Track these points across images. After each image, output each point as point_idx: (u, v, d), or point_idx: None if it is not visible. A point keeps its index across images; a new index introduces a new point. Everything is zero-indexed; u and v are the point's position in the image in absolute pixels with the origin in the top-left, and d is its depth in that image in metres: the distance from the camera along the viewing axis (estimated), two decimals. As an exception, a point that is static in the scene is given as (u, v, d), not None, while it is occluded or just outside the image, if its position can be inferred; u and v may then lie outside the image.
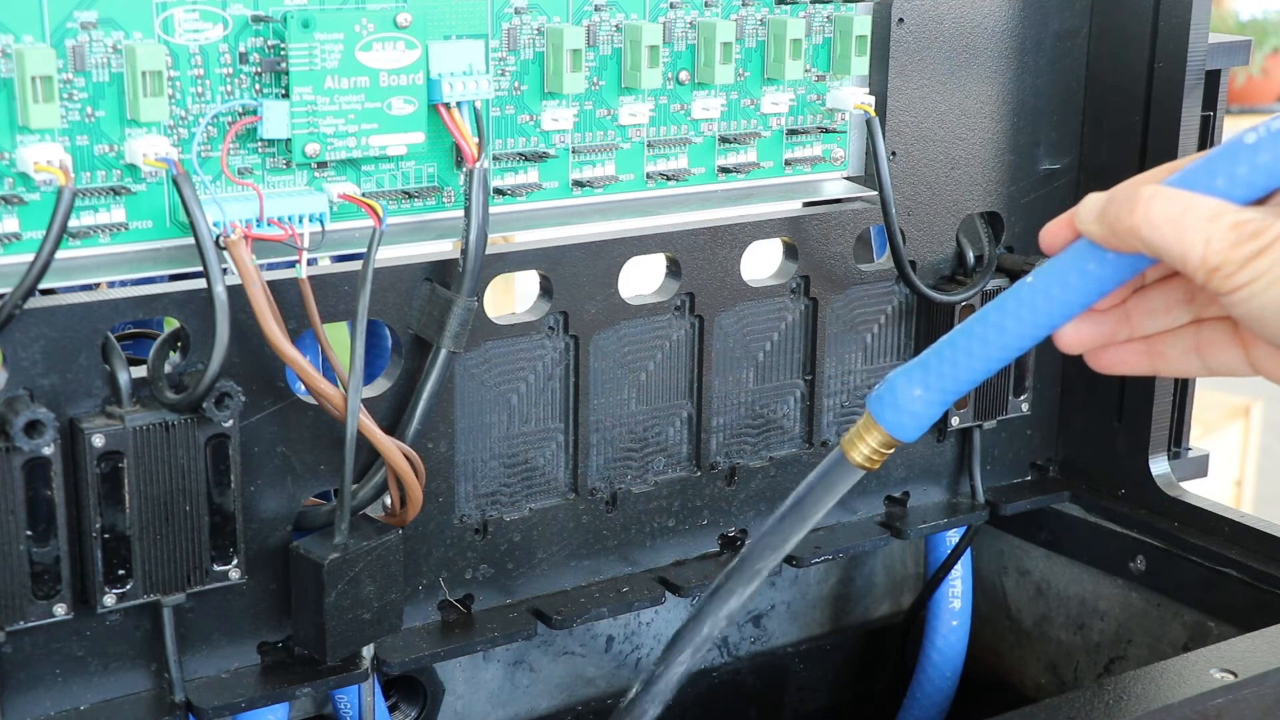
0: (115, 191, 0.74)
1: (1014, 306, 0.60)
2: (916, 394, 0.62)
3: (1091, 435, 1.10)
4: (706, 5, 0.90)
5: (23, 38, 0.70)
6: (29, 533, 0.73)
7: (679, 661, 0.69)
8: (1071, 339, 0.62)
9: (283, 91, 0.76)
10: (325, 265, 0.85)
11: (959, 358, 0.61)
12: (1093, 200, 0.59)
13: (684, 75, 0.90)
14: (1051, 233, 0.61)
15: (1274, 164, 0.55)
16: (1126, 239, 0.57)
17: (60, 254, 0.70)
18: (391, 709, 0.98)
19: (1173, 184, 0.57)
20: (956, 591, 1.12)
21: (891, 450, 0.63)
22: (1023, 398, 1.06)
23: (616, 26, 0.87)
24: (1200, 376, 0.64)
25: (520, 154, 0.86)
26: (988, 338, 0.61)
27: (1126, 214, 0.57)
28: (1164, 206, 0.56)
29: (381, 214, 0.77)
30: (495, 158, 0.85)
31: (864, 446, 0.63)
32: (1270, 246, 0.54)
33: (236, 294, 0.73)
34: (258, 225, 0.75)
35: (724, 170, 0.93)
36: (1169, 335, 0.63)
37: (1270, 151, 0.55)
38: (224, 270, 0.72)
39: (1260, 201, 0.56)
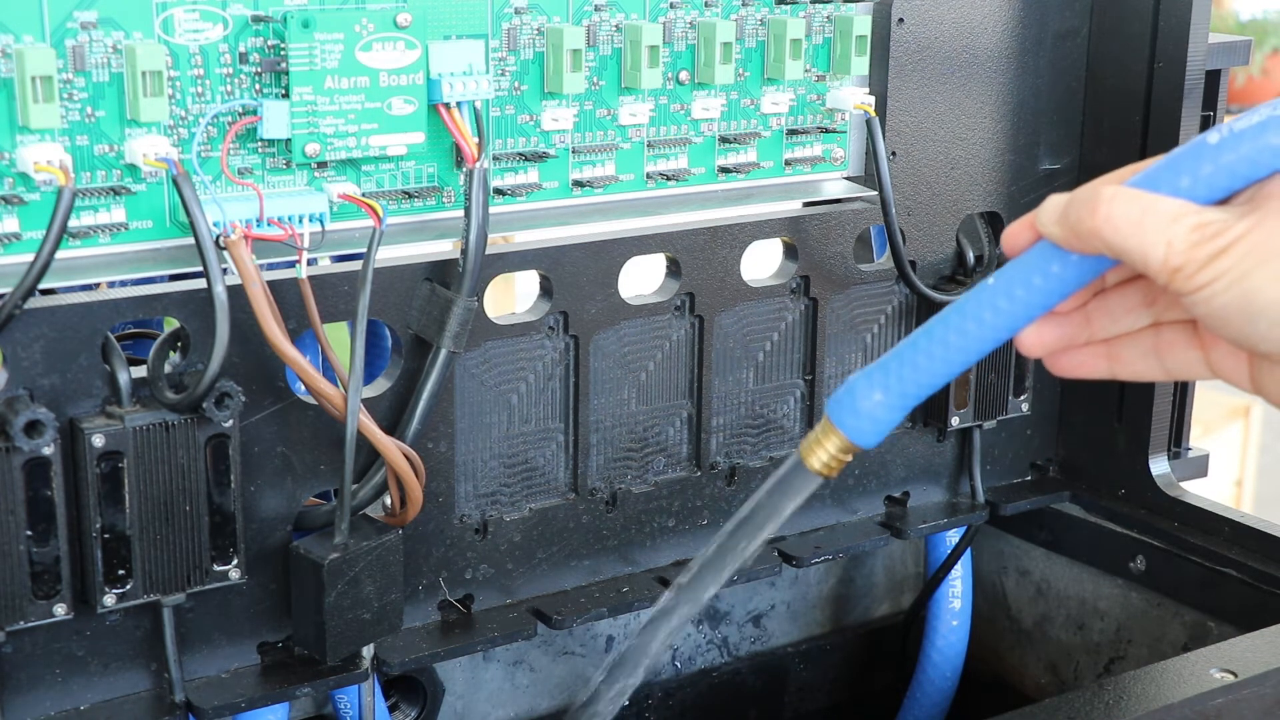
0: (115, 191, 0.74)
1: (975, 308, 0.59)
2: (876, 398, 0.61)
3: (1091, 435, 1.10)
4: (706, 5, 0.89)
5: (23, 38, 0.70)
6: (29, 533, 0.73)
7: (626, 678, 0.68)
8: (1033, 341, 0.62)
9: (283, 91, 0.76)
10: (325, 265, 0.85)
11: (920, 361, 0.60)
12: (1054, 202, 0.59)
13: (684, 75, 0.90)
14: (1013, 234, 0.61)
15: (1237, 164, 0.55)
16: (1088, 240, 0.57)
17: (60, 254, 0.70)
18: (391, 709, 0.98)
19: (1135, 184, 0.57)
20: (956, 591, 1.12)
21: (850, 457, 0.62)
22: (1023, 398, 1.06)
23: (616, 26, 0.87)
24: (1158, 380, 0.64)
25: (520, 154, 0.86)
26: (949, 340, 0.60)
27: (1088, 215, 0.56)
28: (1125, 207, 0.56)
29: (381, 214, 0.77)
30: (495, 158, 0.85)
31: (822, 452, 0.62)
32: (1231, 247, 0.54)
33: (236, 294, 0.73)
34: (258, 225, 0.75)
35: (724, 170, 0.93)
36: (1128, 338, 0.63)
37: (1233, 151, 0.55)
38: (224, 270, 0.72)
39: (1223, 202, 0.56)
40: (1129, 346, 0.63)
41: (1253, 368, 0.60)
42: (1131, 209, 0.56)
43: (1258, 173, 0.55)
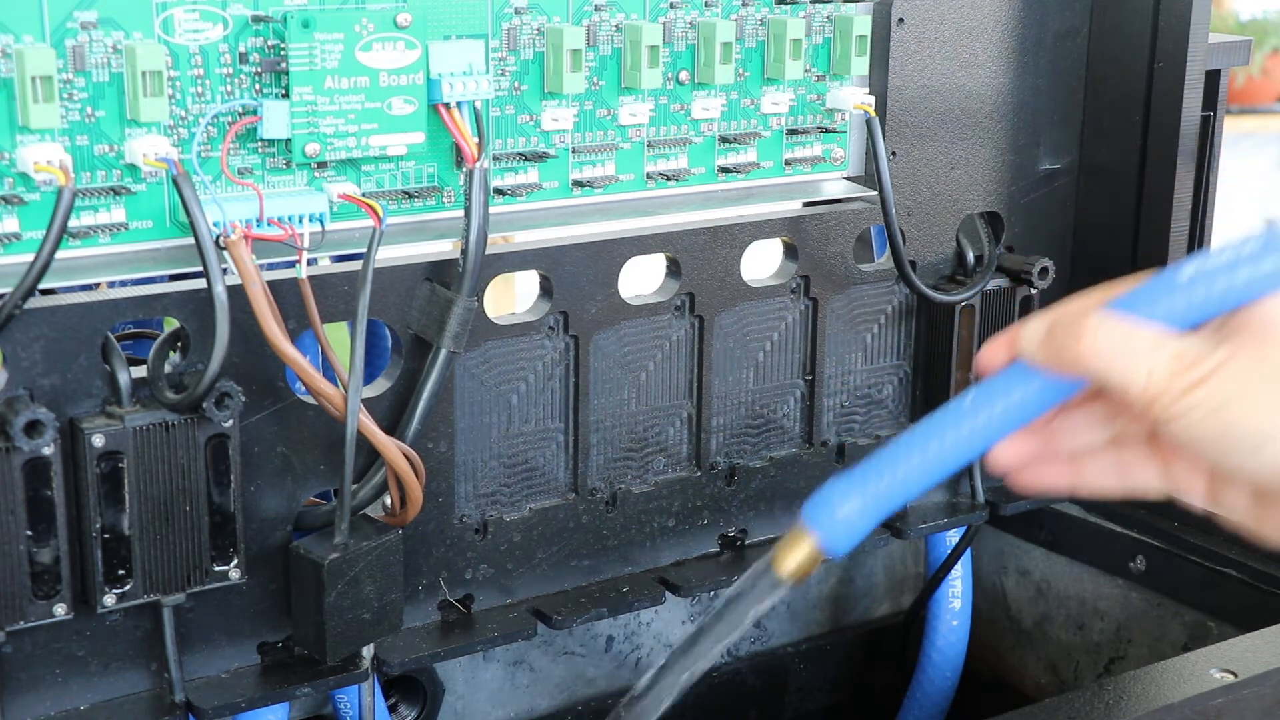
0: (115, 191, 0.74)
1: (953, 427, 0.62)
2: (852, 508, 0.62)
3: (1091, 435, 1.09)
4: (706, 5, 0.89)
5: (23, 38, 0.70)
6: (29, 533, 0.73)
7: None
8: (1003, 458, 0.64)
9: (283, 91, 0.76)
10: (325, 265, 0.85)
11: (897, 473, 0.62)
12: (1035, 326, 0.61)
13: (684, 75, 0.90)
14: (989, 354, 0.63)
15: (1207, 300, 0.58)
16: (1071, 366, 0.59)
17: (60, 254, 0.70)
18: (391, 709, 0.98)
19: (1114, 309, 0.59)
20: (956, 591, 1.12)
21: (818, 565, 0.63)
22: (1023, 398, 1.06)
23: (616, 26, 0.87)
24: (1118, 496, 0.66)
25: (520, 154, 0.86)
26: (927, 453, 0.62)
27: (1072, 342, 0.59)
28: (1107, 336, 0.58)
29: (381, 214, 0.77)
30: (495, 158, 0.85)
31: (792, 559, 0.63)
32: (1210, 376, 0.57)
33: (236, 294, 0.73)
34: (258, 225, 0.75)
35: (724, 170, 0.93)
36: (1089, 454, 0.65)
37: (1205, 287, 0.58)
38: (224, 270, 0.72)
39: (1194, 329, 0.59)
40: (1090, 462, 0.65)
41: (1211, 487, 0.62)
42: (1113, 338, 0.58)
43: (1223, 308, 0.58)
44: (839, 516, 0.62)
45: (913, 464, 0.62)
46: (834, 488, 0.63)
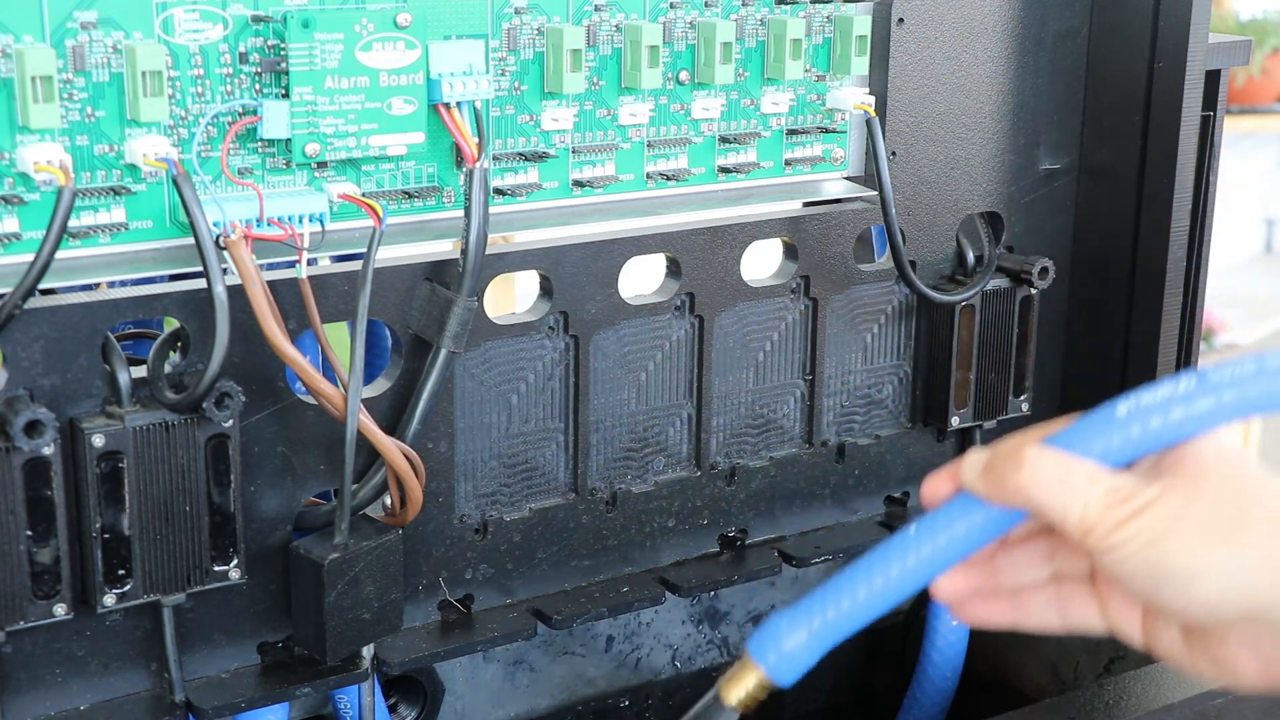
0: (115, 191, 0.74)
1: (898, 557, 0.64)
2: (797, 639, 0.65)
3: (1091, 435, 1.09)
4: (706, 5, 0.89)
5: (23, 38, 0.70)
6: (29, 533, 0.73)
7: None
8: (947, 590, 0.66)
9: (283, 91, 0.76)
10: (325, 265, 0.85)
11: (842, 604, 0.65)
12: (976, 457, 0.63)
13: (684, 75, 0.90)
14: (933, 485, 0.65)
15: (1142, 438, 0.60)
16: (1011, 496, 0.61)
17: (60, 254, 0.70)
18: (391, 709, 0.98)
19: (1053, 444, 0.61)
20: (956, 591, 1.12)
21: (765, 694, 0.66)
22: (1023, 398, 1.06)
23: (616, 26, 0.87)
24: (1058, 632, 0.69)
25: (520, 154, 0.86)
26: (872, 586, 0.64)
27: (1012, 472, 0.61)
28: (1047, 468, 0.61)
29: (381, 214, 0.77)
30: (495, 158, 0.85)
31: (740, 688, 0.66)
32: (1142, 511, 0.59)
33: (236, 294, 0.73)
34: (258, 225, 0.75)
35: (724, 170, 0.93)
36: (1031, 589, 0.67)
37: (1140, 425, 0.60)
38: (224, 270, 0.72)
39: (1129, 466, 0.61)
40: (1031, 598, 0.67)
41: (1145, 624, 0.64)
42: (1051, 470, 0.61)
43: (1160, 445, 0.60)
44: (785, 649, 0.65)
45: (858, 597, 0.64)
46: (780, 620, 0.65)
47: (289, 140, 0.76)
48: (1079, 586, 0.66)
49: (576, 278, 0.88)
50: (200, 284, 0.74)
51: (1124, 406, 0.61)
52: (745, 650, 0.66)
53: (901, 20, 0.96)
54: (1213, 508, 0.59)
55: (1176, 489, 0.59)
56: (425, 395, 0.82)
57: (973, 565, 0.67)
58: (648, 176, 0.91)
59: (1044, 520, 0.61)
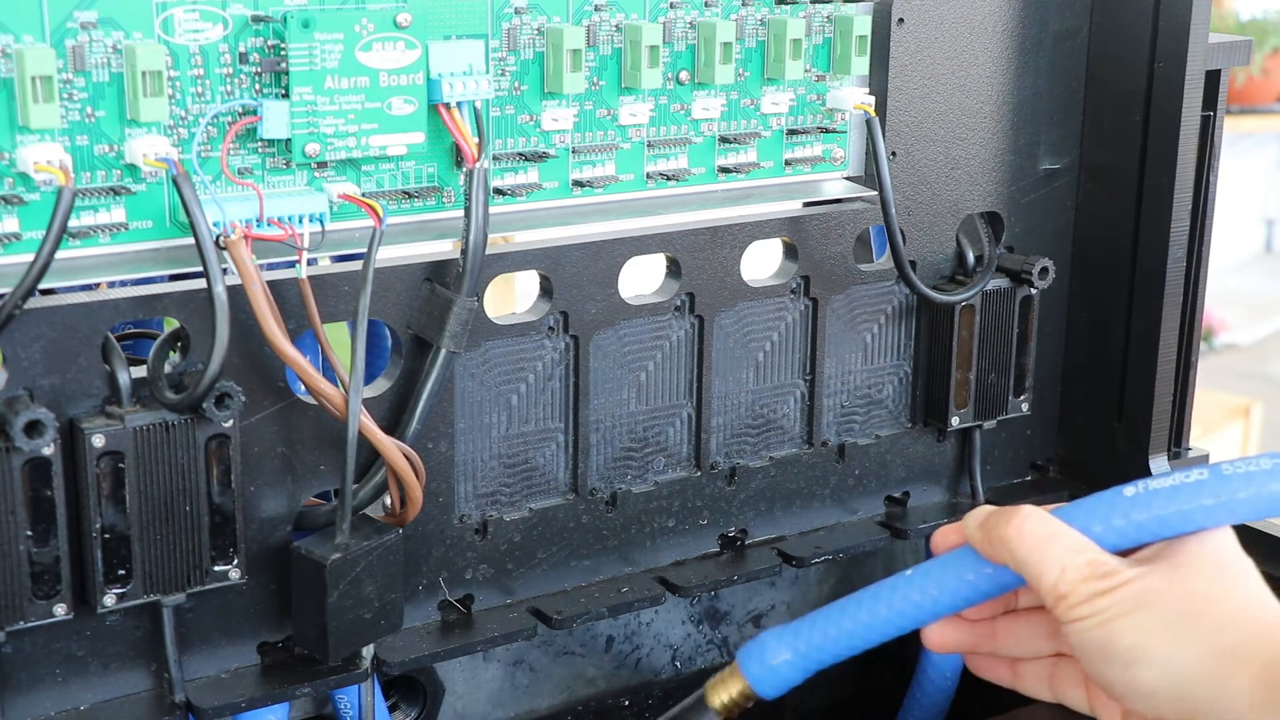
0: (115, 191, 0.74)
1: (889, 595, 0.65)
2: (784, 657, 0.66)
3: (1091, 435, 1.10)
4: (706, 5, 0.90)
5: (23, 38, 0.70)
6: (29, 533, 0.73)
7: None
8: (938, 639, 0.67)
9: (283, 91, 0.76)
10: (325, 265, 0.85)
11: (830, 631, 0.66)
12: (980, 510, 0.65)
13: (684, 75, 0.90)
14: (942, 534, 0.67)
15: (1145, 523, 0.60)
16: (997, 547, 0.62)
17: (60, 254, 0.70)
18: (391, 709, 0.98)
19: (1055, 514, 0.62)
20: (956, 591, 1.12)
21: (750, 703, 0.67)
22: (1023, 398, 1.06)
23: (616, 26, 0.87)
24: (1050, 702, 0.68)
25: (520, 154, 0.86)
26: (859, 618, 0.66)
27: (1003, 523, 0.62)
28: (1035, 526, 0.61)
29: (381, 214, 0.77)
30: (495, 158, 0.85)
31: (725, 694, 0.67)
32: (1113, 590, 0.59)
33: (236, 294, 0.73)
34: (258, 225, 0.75)
35: (724, 170, 0.93)
36: (1028, 660, 0.68)
37: (1144, 510, 0.60)
38: (224, 270, 0.72)
39: (1126, 553, 0.61)
40: (1026, 669, 0.68)
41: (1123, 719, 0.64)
42: (1041, 529, 0.61)
43: (1164, 533, 0.60)
44: (771, 664, 0.67)
45: (846, 627, 0.66)
46: (769, 636, 0.67)
47: (289, 140, 0.76)
48: (1072, 668, 0.66)
49: (576, 278, 0.88)
50: (200, 284, 0.74)
51: (1131, 489, 0.61)
52: (735, 658, 0.67)
53: (901, 20, 0.96)
54: (1178, 601, 0.59)
55: (1155, 575, 0.59)
56: (425, 395, 0.82)
57: (972, 624, 0.68)
58: (648, 176, 0.91)
59: (1022, 575, 0.62)
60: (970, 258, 1.03)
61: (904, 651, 1.18)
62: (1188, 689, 0.57)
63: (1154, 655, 0.58)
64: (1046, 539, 0.61)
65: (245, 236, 0.74)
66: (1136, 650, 0.58)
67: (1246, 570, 0.61)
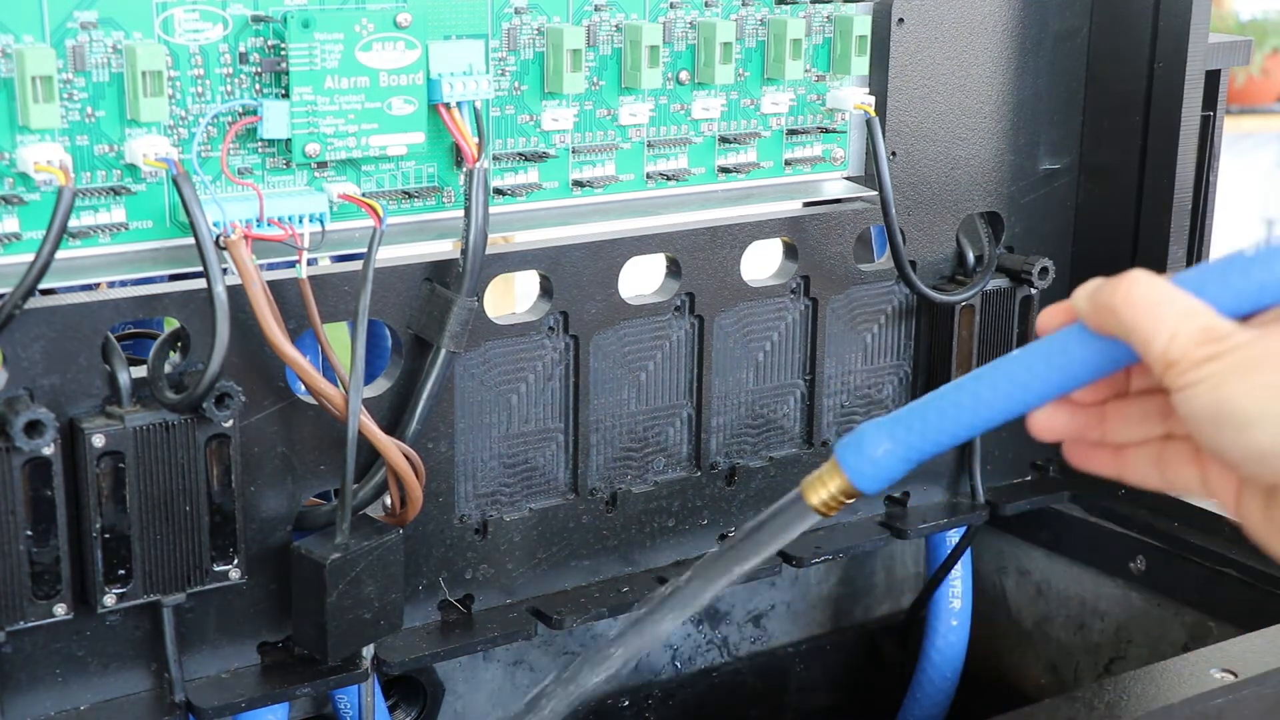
0: (115, 191, 0.74)
1: (993, 377, 0.61)
2: (885, 447, 0.62)
3: (1091, 435, 1.09)
4: (706, 5, 0.89)
5: (23, 38, 0.70)
6: (29, 533, 0.73)
7: (593, 673, 0.68)
8: (1044, 424, 0.63)
9: (283, 91, 0.76)
10: (325, 265, 0.85)
11: (931, 418, 0.62)
12: (1090, 282, 0.60)
13: (684, 75, 0.90)
14: (1049, 314, 0.63)
15: (1270, 282, 0.56)
16: (1104, 315, 0.59)
17: (60, 254, 0.70)
18: (391, 709, 0.98)
19: (1172, 279, 0.58)
20: (956, 591, 1.12)
21: (850, 500, 0.63)
22: (1023, 398, 1.06)
23: (616, 26, 0.87)
24: (1159, 490, 0.65)
25: (520, 154, 0.86)
26: (962, 403, 0.61)
27: (1110, 290, 0.58)
28: (1145, 291, 0.58)
29: (381, 214, 0.77)
30: (495, 158, 0.85)
31: (824, 491, 0.63)
32: (1227, 353, 0.56)
33: (236, 294, 0.73)
34: (258, 225, 0.75)
35: (724, 170, 0.93)
36: (1137, 445, 0.64)
37: (1268, 269, 0.56)
38: (224, 270, 0.72)
39: (1244, 319, 0.58)
40: (1134, 453, 0.64)
41: (1240, 494, 0.61)
42: (1151, 294, 0.57)
43: None
44: (872, 455, 0.62)
45: (949, 413, 0.61)
46: (869, 427, 0.62)
47: (289, 140, 0.76)
48: (1183, 448, 0.62)
49: (576, 278, 0.88)
50: (200, 284, 0.74)
51: (1253, 249, 0.57)
52: (833, 453, 0.63)
53: (901, 20, 0.96)
54: None
55: (1271, 337, 0.56)
56: (425, 395, 0.82)
57: (1080, 410, 0.64)
58: (648, 176, 0.91)
59: (1130, 343, 0.58)
60: (970, 258, 1.03)
61: (904, 651, 1.18)
62: None
63: (1270, 417, 0.55)
64: (1156, 304, 0.57)
65: (245, 236, 0.74)
66: (1252, 412, 0.55)
67: None
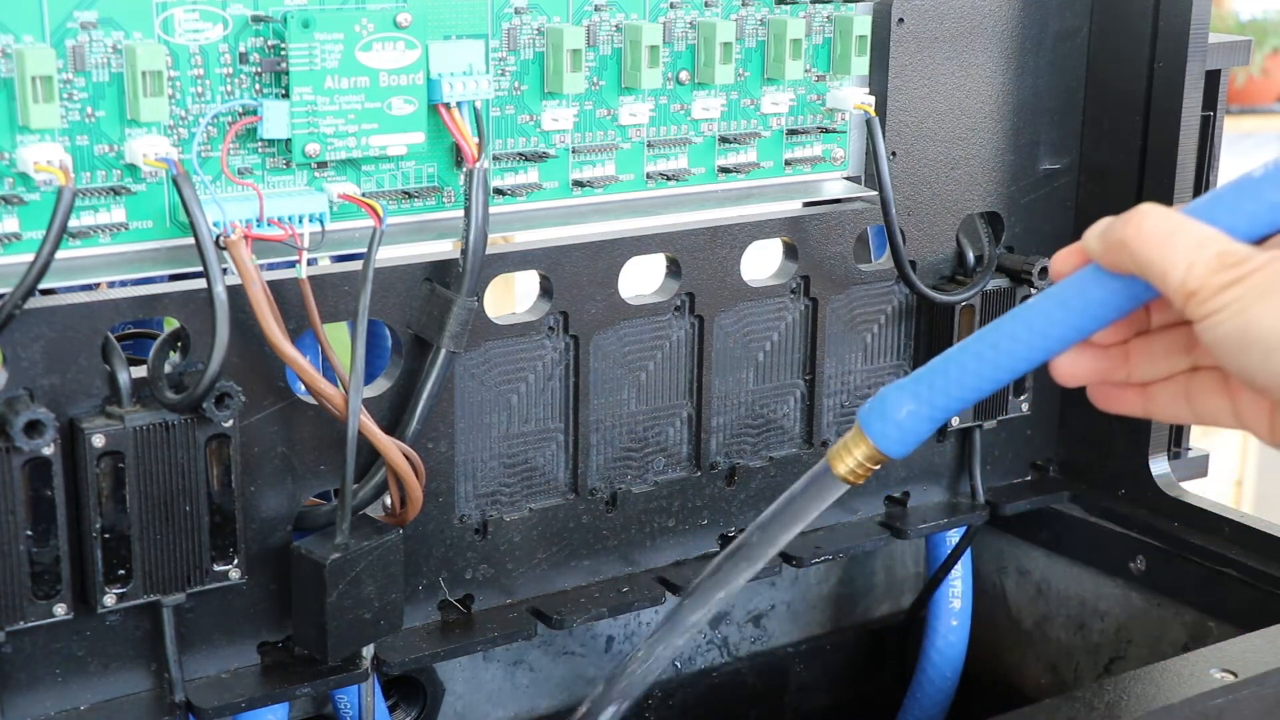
0: (115, 191, 0.74)
1: (1011, 326, 0.59)
2: (908, 408, 0.61)
3: (1091, 435, 1.10)
4: (706, 5, 0.89)
5: (23, 38, 0.70)
6: (29, 533, 0.73)
7: (648, 663, 0.69)
8: (1067, 370, 0.62)
9: (283, 91, 0.76)
10: (325, 265, 0.85)
11: (952, 373, 0.60)
12: (1100, 222, 0.59)
13: (684, 75, 0.90)
14: (1061, 258, 0.61)
15: (1275, 204, 0.55)
16: (1117, 253, 0.57)
17: (60, 254, 0.70)
18: (391, 709, 0.98)
19: (1181, 209, 0.57)
20: (956, 591, 1.12)
21: (877, 465, 0.62)
22: (1023, 398, 1.06)
23: (616, 26, 0.87)
24: (1189, 423, 0.64)
25: (520, 154, 0.86)
26: (983, 355, 0.60)
27: (1120, 226, 0.57)
28: (1156, 223, 0.56)
29: (381, 214, 0.77)
30: (495, 158, 0.85)
31: (850, 459, 0.62)
32: (1247, 277, 0.55)
33: (236, 294, 0.73)
34: (258, 225, 0.75)
35: (724, 170, 0.93)
36: (1164, 380, 0.63)
37: (1278, 189, 0.55)
38: (224, 270, 0.72)
39: (1259, 242, 0.56)
40: (1162, 389, 0.63)
41: (1273, 419, 0.60)
42: (1162, 225, 0.56)
43: None
44: (896, 418, 0.61)
45: (970, 366, 0.60)
46: (890, 390, 0.61)
47: (289, 140, 0.76)
48: (1212, 379, 0.61)
49: (576, 278, 0.88)
50: (200, 284, 0.74)
51: (1260, 169, 0.56)
52: (856, 419, 0.62)
53: (901, 20, 0.96)
54: None
55: None
56: (425, 395, 0.82)
57: (1102, 349, 0.62)
58: (648, 176, 0.91)
59: (1147, 279, 0.57)
60: (970, 258, 1.03)
61: (904, 651, 1.18)
62: None
63: None
64: (1169, 235, 0.56)
65: (245, 236, 0.74)
66: (1277, 334, 0.54)
67: None
